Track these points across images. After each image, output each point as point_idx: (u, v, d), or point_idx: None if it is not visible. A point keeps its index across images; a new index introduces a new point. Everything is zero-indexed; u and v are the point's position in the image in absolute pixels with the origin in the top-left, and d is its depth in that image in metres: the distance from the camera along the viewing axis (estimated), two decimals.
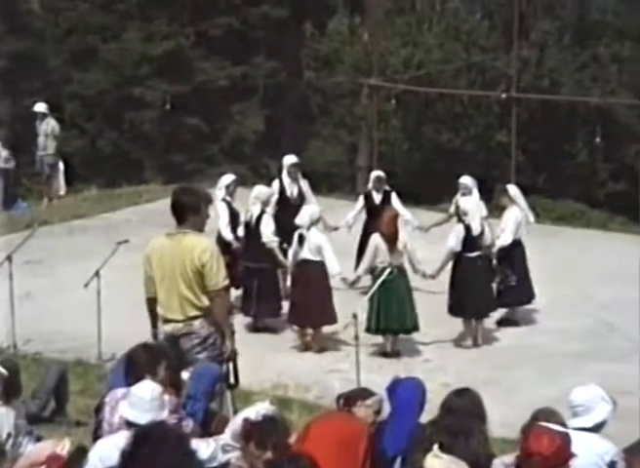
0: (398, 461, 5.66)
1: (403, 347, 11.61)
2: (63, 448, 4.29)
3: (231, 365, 7.39)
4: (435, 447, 4.60)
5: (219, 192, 12.46)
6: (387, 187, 13.42)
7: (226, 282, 7.42)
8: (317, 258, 11.35)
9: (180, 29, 24.91)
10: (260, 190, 12.31)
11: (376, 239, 11.36)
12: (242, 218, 12.23)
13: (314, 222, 11.48)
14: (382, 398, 6.12)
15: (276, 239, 11.84)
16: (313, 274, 11.38)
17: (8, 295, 11.06)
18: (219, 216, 12.23)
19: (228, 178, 12.69)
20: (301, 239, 11.39)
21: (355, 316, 9.99)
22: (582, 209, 19.70)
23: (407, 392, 5.93)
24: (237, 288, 12.16)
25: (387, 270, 11.00)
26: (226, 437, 5.17)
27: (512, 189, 12.60)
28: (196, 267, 7.29)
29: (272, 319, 12.09)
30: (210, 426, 6.01)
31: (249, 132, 25.32)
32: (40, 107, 18.01)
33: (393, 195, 13.29)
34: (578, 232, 16.67)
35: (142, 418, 5.43)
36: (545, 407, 6.05)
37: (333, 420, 6.01)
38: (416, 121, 22.82)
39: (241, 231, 12.18)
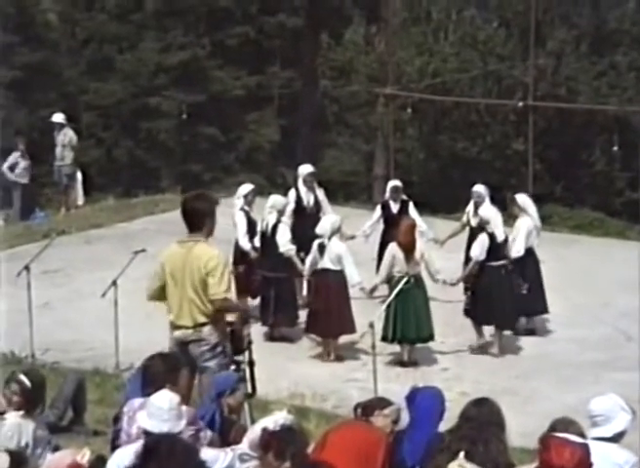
0: None
1: (420, 356, 11.58)
2: (83, 456, 4.29)
3: (248, 374, 7.39)
4: (461, 455, 4.58)
5: (237, 201, 12.49)
6: (405, 197, 13.41)
7: (228, 294, 7.45)
8: (337, 268, 11.36)
9: (196, 39, 24.99)
10: (275, 199, 12.33)
11: (393, 248, 11.36)
12: (259, 228, 12.25)
13: (335, 232, 11.49)
14: (400, 407, 6.10)
15: (293, 247, 11.85)
16: (333, 283, 11.39)
17: (26, 305, 11.09)
18: (236, 226, 12.24)
19: (247, 188, 12.70)
20: (322, 248, 11.40)
21: (372, 325, 9.97)
22: (600, 217, 19.63)
23: (426, 401, 5.91)
24: (254, 297, 12.17)
25: (404, 280, 10.99)
26: (244, 446, 5.16)
27: (521, 198, 12.56)
28: (201, 275, 7.35)
29: (289, 328, 12.08)
30: (229, 435, 6.00)
31: (265, 141, 25.36)
32: (58, 118, 18.08)
33: (410, 205, 13.28)
34: (595, 241, 16.62)
35: (161, 428, 5.42)
36: (564, 416, 6.02)
37: (350, 430, 5.99)
38: (432, 130, 22.80)
39: (257, 241, 12.19)
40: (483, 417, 5.55)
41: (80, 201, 18.51)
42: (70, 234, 16.13)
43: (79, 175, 18.40)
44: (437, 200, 18.73)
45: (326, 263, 11.39)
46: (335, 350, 11.54)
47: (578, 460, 4.58)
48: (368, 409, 6.08)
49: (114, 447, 5.96)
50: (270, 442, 4.94)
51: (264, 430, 5.02)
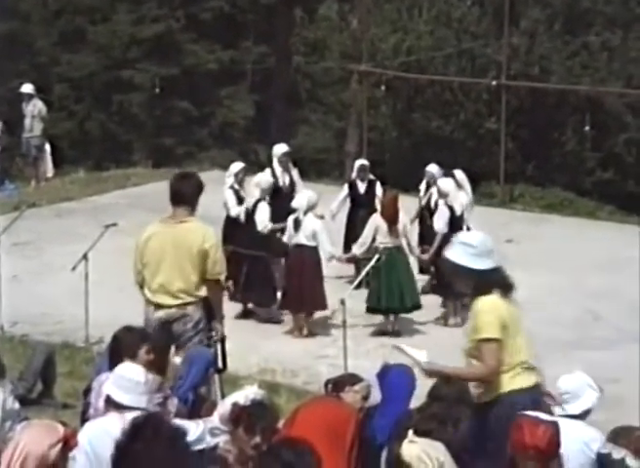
0: (386, 448, 5.66)
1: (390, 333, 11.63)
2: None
3: (220, 349, 7.39)
4: (410, 432, 4.59)
5: (227, 180, 12.41)
6: (372, 176, 13.40)
7: (224, 272, 7.51)
8: (312, 244, 11.36)
9: (170, 12, 24.79)
10: (261, 178, 12.29)
11: (376, 219, 11.43)
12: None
13: (311, 207, 11.49)
14: (371, 384, 6.13)
15: (269, 224, 11.82)
16: (307, 259, 11.41)
17: None
18: (226, 203, 12.19)
19: (237, 166, 12.61)
20: (297, 223, 11.39)
21: (343, 302, 9.99)
22: (571, 197, 19.72)
23: (397, 378, 5.93)
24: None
25: (376, 256, 11.04)
26: (215, 420, 5.15)
27: (459, 174, 12.61)
28: (200, 249, 7.33)
29: (265, 308, 12.07)
30: (200, 411, 6.01)
31: (238, 116, 25.25)
32: (27, 88, 17.89)
33: (377, 185, 13.28)
34: (566, 220, 16.71)
35: (127, 399, 5.43)
36: None
37: (321, 405, 6.01)
38: (405, 108, 22.79)
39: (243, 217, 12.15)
40: (451, 395, 5.58)
41: (49, 173, 18.36)
42: (41, 207, 16.01)
43: (48, 147, 18.23)
44: (409, 178, 18.72)
45: (300, 239, 11.38)
46: (308, 326, 11.57)
47: (549, 438, 4.62)
48: (338, 385, 6.10)
49: (84, 420, 5.96)
50: (241, 416, 4.94)
51: (235, 404, 5.03)
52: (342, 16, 24.48)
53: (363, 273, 10.93)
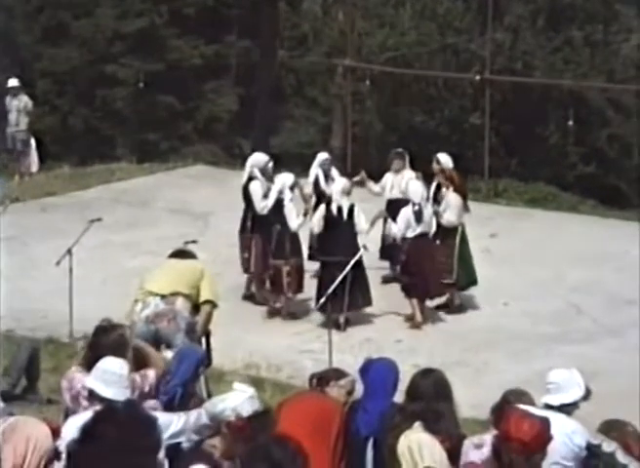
0: (371, 441, 5.70)
1: (374, 328, 11.67)
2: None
3: (204, 344, 7.43)
4: (417, 423, 4.62)
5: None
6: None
7: (217, 300, 7.99)
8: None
9: (154, 7, 24.71)
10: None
11: (452, 196, 11.85)
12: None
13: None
14: (355, 378, 6.15)
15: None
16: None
17: None
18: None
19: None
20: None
21: (328, 295, 10.03)
22: (554, 191, 19.78)
23: (380, 373, 5.95)
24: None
25: (360, 252, 11.15)
26: (203, 418, 5.09)
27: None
28: (196, 273, 7.86)
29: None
30: (187, 406, 6.02)
31: (222, 111, 25.20)
32: (13, 82, 17.86)
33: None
34: (549, 215, 16.78)
35: (111, 393, 5.45)
36: (516, 387, 6.11)
37: (305, 400, 6.04)
38: (390, 102, 22.81)
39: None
40: (429, 392, 5.60)
41: (34, 168, 18.31)
42: (25, 202, 15.99)
43: (33, 142, 18.20)
44: None
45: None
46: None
47: (536, 433, 4.64)
48: (323, 379, 6.12)
49: (67, 415, 5.97)
50: (243, 428, 4.83)
51: (238, 416, 4.88)
52: (327, 10, 24.45)
53: (349, 266, 10.96)
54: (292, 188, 11.83)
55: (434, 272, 11.67)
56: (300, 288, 11.82)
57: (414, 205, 11.55)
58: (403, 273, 11.82)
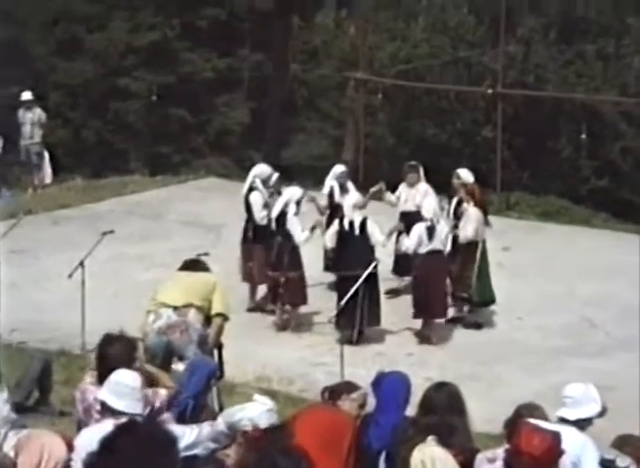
0: (383, 455, 5.68)
1: (386, 342, 11.65)
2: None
3: (216, 357, 7.43)
4: (430, 438, 4.61)
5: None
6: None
7: (228, 313, 8.02)
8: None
9: (166, 20, 24.82)
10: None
11: (473, 212, 11.82)
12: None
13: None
14: (367, 392, 6.14)
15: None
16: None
17: None
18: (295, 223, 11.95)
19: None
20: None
21: (339, 310, 10.01)
22: (566, 205, 19.75)
23: (392, 386, 5.94)
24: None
25: (373, 264, 11.13)
26: (221, 426, 5.08)
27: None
28: (208, 286, 7.89)
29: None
30: (199, 418, 6.02)
31: (234, 124, 25.27)
32: (27, 95, 17.98)
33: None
34: (561, 228, 16.75)
35: (123, 405, 5.45)
36: (529, 402, 6.09)
37: (318, 413, 6.03)
38: (402, 115, 22.82)
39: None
40: (442, 405, 5.58)
41: (48, 180, 18.40)
42: (38, 214, 16.04)
43: (46, 154, 18.29)
44: None
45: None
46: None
47: (546, 448, 4.62)
48: (335, 392, 6.11)
49: (80, 427, 5.97)
50: (260, 439, 4.83)
51: (255, 427, 4.88)
52: (339, 23, 24.50)
53: (362, 279, 10.95)
54: (298, 203, 11.83)
55: (441, 292, 11.60)
56: (301, 300, 11.79)
57: (426, 221, 11.54)
58: (412, 289, 11.81)
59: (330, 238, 11.63)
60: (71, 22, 25.17)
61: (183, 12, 25.02)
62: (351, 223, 11.55)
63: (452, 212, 12.24)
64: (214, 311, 7.69)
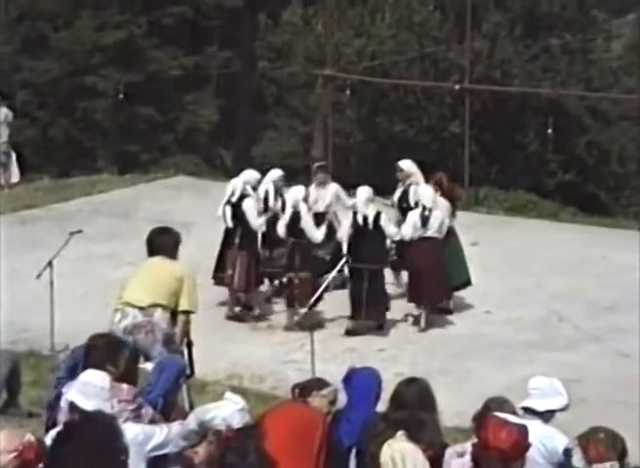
0: (354, 451, 5.70)
1: (357, 337, 11.68)
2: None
3: (187, 355, 7.42)
4: (399, 433, 4.64)
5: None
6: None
7: (196, 309, 7.88)
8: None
9: (133, 18, 24.73)
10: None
11: (441, 201, 11.84)
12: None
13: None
14: (338, 388, 6.16)
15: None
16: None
17: None
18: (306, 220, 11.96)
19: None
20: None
21: (311, 307, 10.04)
22: (534, 199, 19.87)
23: (363, 382, 5.96)
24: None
25: (344, 259, 11.19)
26: (192, 424, 5.07)
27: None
28: (176, 280, 7.74)
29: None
30: (169, 417, 6.02)
31: (203, 122, 25.24)
32: None
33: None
34: (529, 222, 16.84)
35: (91, 405, 5.44)
36: (498, 395, 6.14)
37: (288, 410, 6.03)
38: (370, 112, 22.87)
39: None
40: (412, 401, 5.62)
41: (15, 179, 18.27)
42: (5, 214, 15.93)
43: (13, 154, 18.16)
44: (375, 182, 18.78)
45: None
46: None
47: (513, 441, 4.66)
48: (305, 389, 6.13)
49: (49, 428, 5.95)
50: (233, 439, 4.82)
51: (228, 426, 4.88)
52: (307, 20, 24.52)
53: (333, 274, 10.97)
54: (305, 200, 11.89)
55: (435, 278, 11.68)
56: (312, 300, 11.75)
57: (424, 209, 11.62)
58: (407, 275, 11.97)
59: (344, 232, 11.69)
60: (37, 20, 25.02)
61: (150, 10, 24.95)
62: (365, 218, 11.59)
63: (396, 203, 12.43)
64: (180, 308, 7.63)
